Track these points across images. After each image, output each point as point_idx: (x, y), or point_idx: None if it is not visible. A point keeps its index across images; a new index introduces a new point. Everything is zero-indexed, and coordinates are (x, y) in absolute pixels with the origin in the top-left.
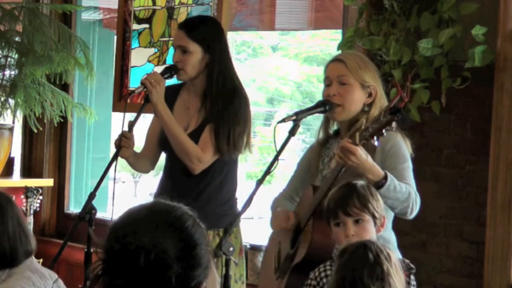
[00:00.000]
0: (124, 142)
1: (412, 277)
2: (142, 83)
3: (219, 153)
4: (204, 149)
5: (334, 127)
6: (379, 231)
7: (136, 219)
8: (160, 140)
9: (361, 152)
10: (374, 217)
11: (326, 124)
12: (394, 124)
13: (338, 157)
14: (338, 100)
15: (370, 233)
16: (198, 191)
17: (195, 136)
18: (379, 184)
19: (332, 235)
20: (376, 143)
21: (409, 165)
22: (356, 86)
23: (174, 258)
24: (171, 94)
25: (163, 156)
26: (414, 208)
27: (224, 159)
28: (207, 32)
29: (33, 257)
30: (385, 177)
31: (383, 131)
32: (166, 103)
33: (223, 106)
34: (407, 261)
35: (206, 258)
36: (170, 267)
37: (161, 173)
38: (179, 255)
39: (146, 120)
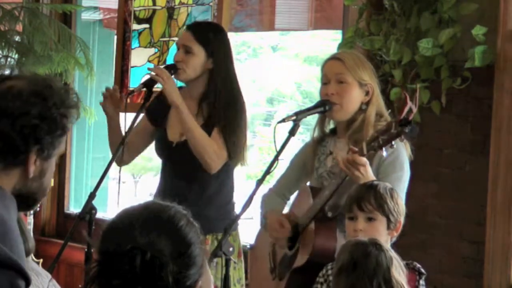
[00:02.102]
0: (108, 91)
1: (421, 282)
2: (151, 78)
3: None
4: (219, 147)
5: (330, 125)
6: (392, 235)
7: (131, 219)
8: (157, 149)
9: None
10: (388, 219)
11: (322, 122)
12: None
13: (343, 167)
14: (336, 99)
15: (380, 233)
16: (197, 195)
17: None
18: None
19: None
20: (384, 153)
21: (403, 174)
22: (354, 85)
23: (169, 258)
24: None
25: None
26: None
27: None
28: (213, 38)
29: (31, 256)
30: None
31: (393, 142)
32: (162, 108)
33: (222, 113)
34: (418, 265)
35: (200, 257)
36: (166, 266)
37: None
38: (174, 254)
39: None
